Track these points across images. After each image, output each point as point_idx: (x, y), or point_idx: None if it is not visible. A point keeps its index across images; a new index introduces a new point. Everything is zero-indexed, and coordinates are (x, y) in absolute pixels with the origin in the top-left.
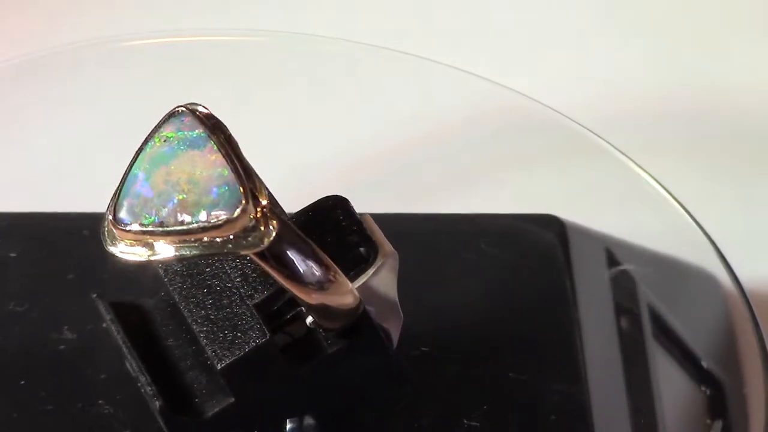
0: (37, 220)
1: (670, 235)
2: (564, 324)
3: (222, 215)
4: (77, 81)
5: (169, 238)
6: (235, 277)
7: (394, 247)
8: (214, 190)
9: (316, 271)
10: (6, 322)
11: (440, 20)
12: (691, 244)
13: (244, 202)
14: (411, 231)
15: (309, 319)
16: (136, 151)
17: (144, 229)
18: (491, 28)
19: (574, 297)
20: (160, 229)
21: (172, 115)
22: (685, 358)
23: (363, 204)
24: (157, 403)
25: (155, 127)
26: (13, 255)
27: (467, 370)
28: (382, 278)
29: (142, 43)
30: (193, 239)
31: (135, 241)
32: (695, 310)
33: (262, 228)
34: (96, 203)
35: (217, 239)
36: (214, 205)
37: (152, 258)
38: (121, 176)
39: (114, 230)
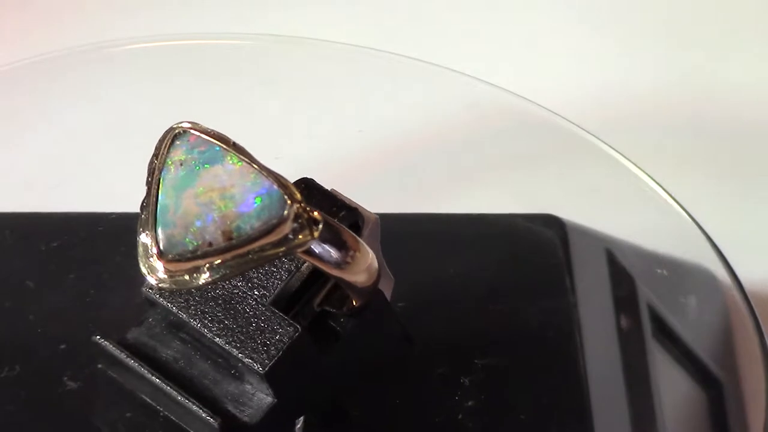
0: (37, 220)
1: (670, 235)
2: (564, 324)
3: (272, 219)
4: (78, 83)
5: (220, 257)
6: (237, 282)
7: (396, 247)
8: (252, 197)
9: (354, 249)
10: (4, 383)
11: (440, 23)
12: (691, 244)
13: (289, 201)
14: (411, 231)
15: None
16: (154, 182)
17: (193, 254)
18: (492, 31)
19: (574, 297)
20: (211, 248)
21: (174, 137)
22: (685, 358)
23: (363, 204)
24: (216, 423)
25: (160, 153)
26: (11, 255)
27: (464, 371)
28: (371, 243)
29: (141, 47)
30: (245, 251)
31: (183, 269)
32: (695, 310)
33: (308, 222)
34: (96, 203)
35: (269, 245)
36: (259, 212)
37: (200, 282)
38: (144, 211)
39: (159, 263)
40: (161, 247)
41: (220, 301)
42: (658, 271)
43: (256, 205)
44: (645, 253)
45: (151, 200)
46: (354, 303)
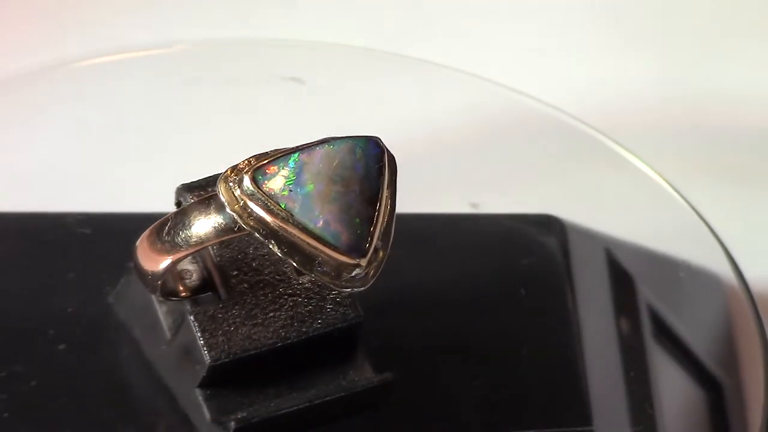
0: (37, 220)
1: (671, 235)
2: (563, 324)
3: (381, 159)
4: (78, 84)
5: (381, 220)
6: (260, 293)
7: (395, 248)
8: (357, 161)
9: None
10: None
11: (443, 24)
12: (695, 244)
13: (374, 138)
14: (411, 231)
15: None
16: (288, 228)
17: (369, 236)
18: (492, 30)
19: (574, 297)
20: (373, 221)
21: (254, 181)
22: (685, 358)
23: None
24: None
25: (261, 202)
26: (10, 257)
27: (466, 371)
28: None
29: (140, 54)
30: (386, 199)
31: (372, 255)
32: (695, 310)
33: (379, 142)
34: (96, 203)
35: (391, 180)
36: (370, 165)
37: (385, 254)
38: (296, 255)
39: (362, 266)
40: (356, 256)
41: (272, 307)
42: (659, 271)
43: (365, 161)
44: (645, 253)
45: (302, 240)
46: None
